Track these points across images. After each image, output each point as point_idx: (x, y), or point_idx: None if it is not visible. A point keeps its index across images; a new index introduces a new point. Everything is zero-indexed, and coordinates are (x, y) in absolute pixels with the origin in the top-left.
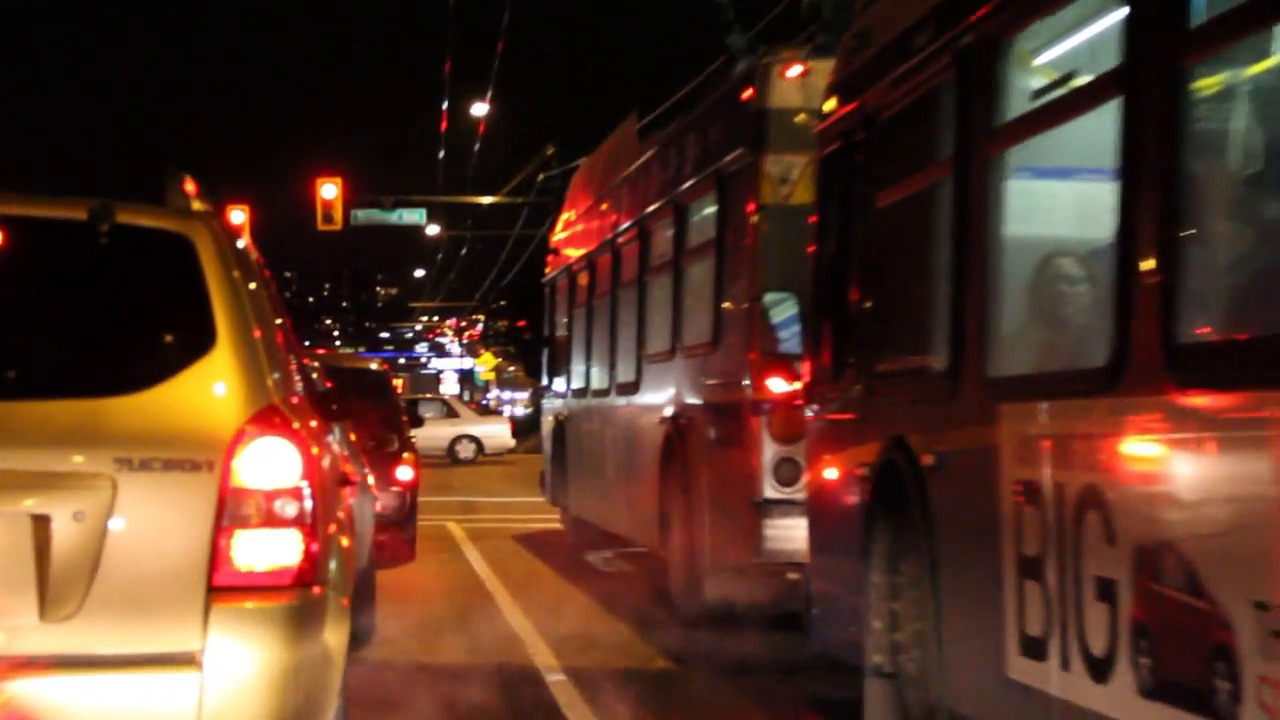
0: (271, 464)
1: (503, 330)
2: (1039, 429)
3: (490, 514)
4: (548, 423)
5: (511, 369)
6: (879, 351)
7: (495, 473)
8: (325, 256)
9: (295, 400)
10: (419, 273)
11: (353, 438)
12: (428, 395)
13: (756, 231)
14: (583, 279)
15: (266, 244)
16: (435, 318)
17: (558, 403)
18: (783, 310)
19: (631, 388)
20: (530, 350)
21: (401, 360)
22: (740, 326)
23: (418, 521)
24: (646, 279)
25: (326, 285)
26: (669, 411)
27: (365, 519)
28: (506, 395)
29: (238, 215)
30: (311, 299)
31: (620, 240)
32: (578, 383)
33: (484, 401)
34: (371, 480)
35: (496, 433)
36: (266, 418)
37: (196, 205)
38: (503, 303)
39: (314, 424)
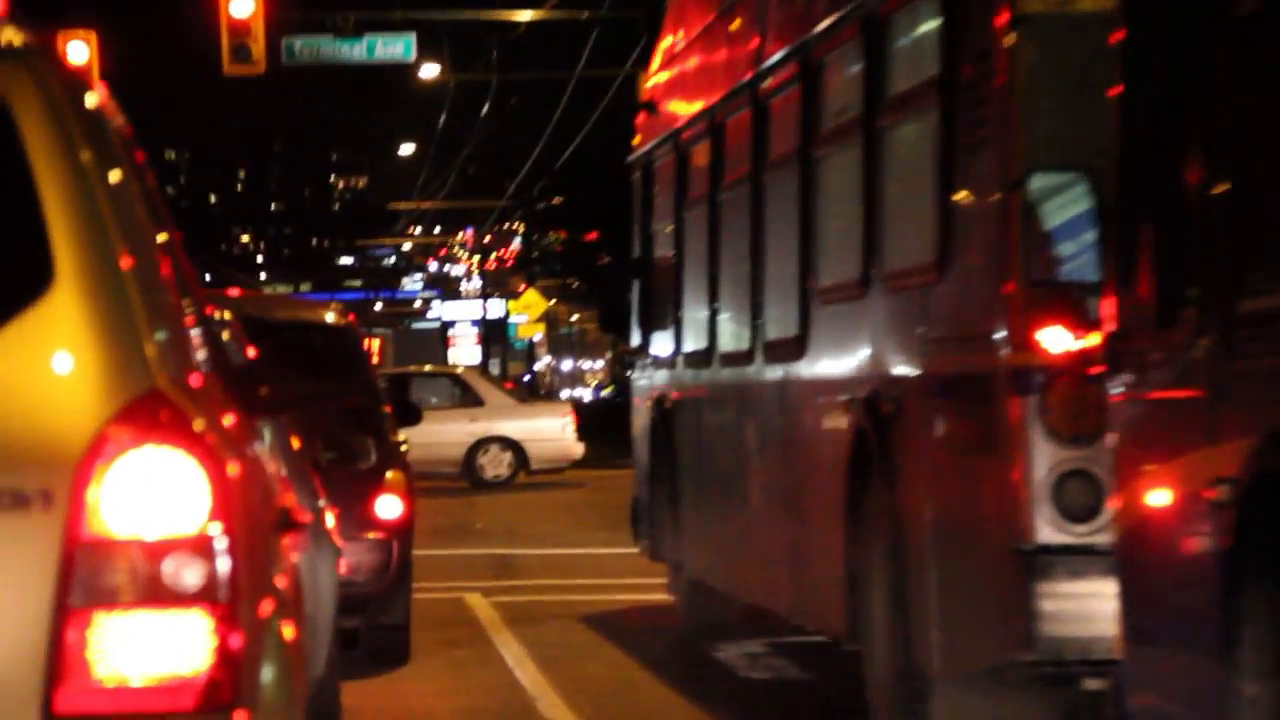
0: (156, 495)
1: (557, 250)
2: None
3: (542, 576)
4: (642, 414)
5: (574, 318)
6: (1247, 277)
7: (549, 502)
8: (240, 123)
9: (195, 381)
10: (406, 149)
11: (297, 445)
12: (427, 368)
13: (1012, 62)
14: (699, 156)
15: (133, 101)
16: (437, 230)
17: (659, 377)
18: (1063, 205)
19: (791, 349)
20: (607, 285)
21: (378, 306)
22: (986, 236)
23: (413, 593)
24: (815, 154)
25: (241, 174)
26: (860, 390)
27: (322, 590)
28: (566, 365)
29: (79, 50)
30: (215, 198)
31: (767, 86)
32: (694, 341)
33: (527, 378)
34: (333, 521)
35: (550, 432)
36: (146, 413)
37: (7, 34)
38: (557, 200)
39: (229, 422)
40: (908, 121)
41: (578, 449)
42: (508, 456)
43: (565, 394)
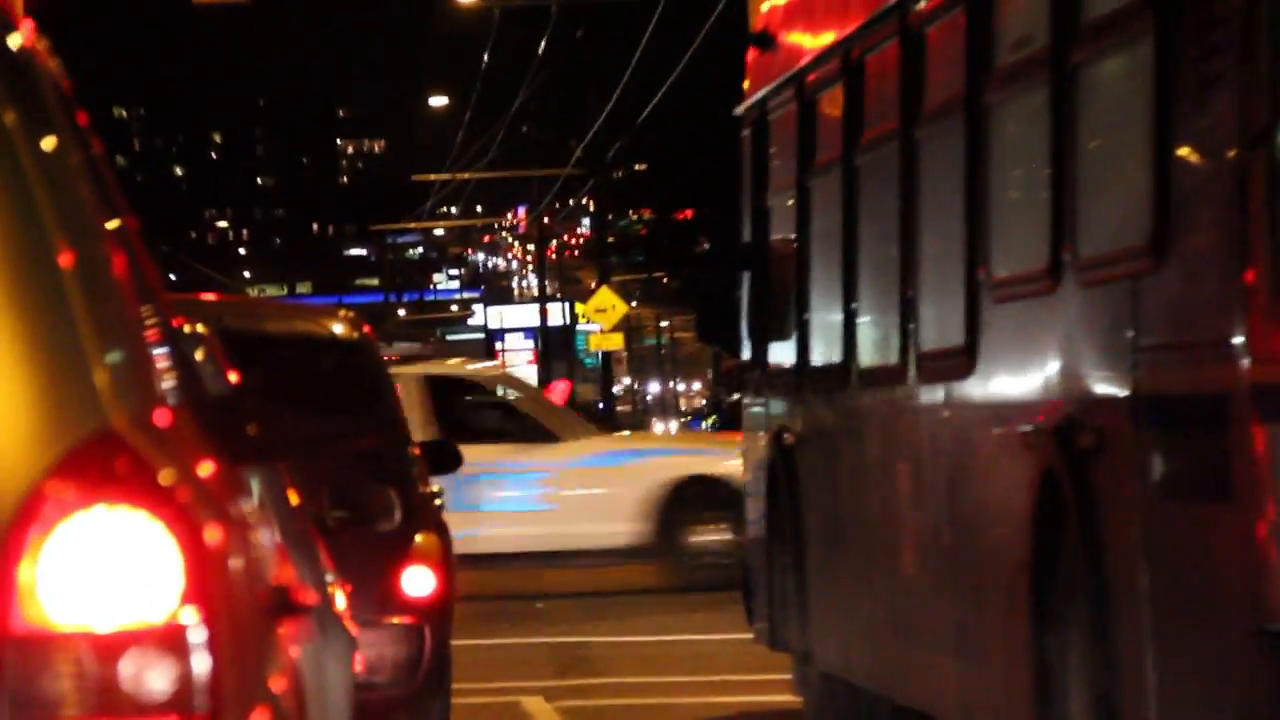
0: (111, 572)
1: (640, 234)
2: None
3: (623, 673)
4: (755, 454)
5: (664, 324)
6: None
7: (632, 576)
8: (214, 69)
9: (160, 418)
10: (436, 102)
11: (296, 502)
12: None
13: None
14: (831, 104)
15: (73, 44)
16: (479, 210)
17: (777, 404)
18: None
19: (956, 363)
20: (706, 279)
21: (402, 312)
22: (1219, 209)
23: (452, 697)
24: (985, 102)
25: (216, 137)
26: (1048, 418)
27: (332, 693)
28: (654, 389)
29: None
30: (182, 170)
31: (921, 9)
32: (824, 354)
33: (601, 406)
34: (345, 602)
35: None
36: (95, 462)
37: None
38: (639, 168)
39: (206, 473)
40: (1111, 55)
41: None
42: None
43: (659, 428)
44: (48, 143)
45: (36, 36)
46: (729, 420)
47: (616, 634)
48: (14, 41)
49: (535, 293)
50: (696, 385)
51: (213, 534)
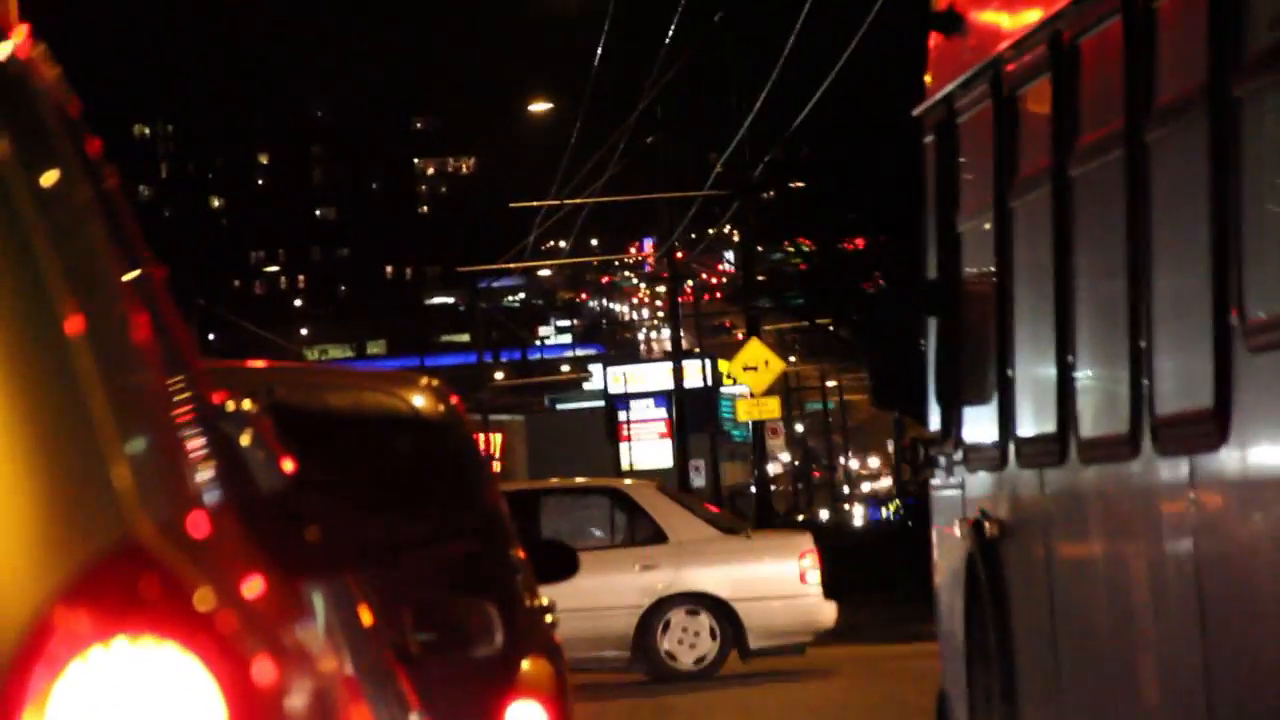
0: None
1: (800, 269)
2: None
3: None
4: (949, 548)
5: (831, 384)
6: None
7: (784, 702)
8: (258, 75)
9: (196, 524)
10: (538, 109)
11: (370, 622)
12: (577, 481)
13: None
14: (1037, 101)
15: (81, 51)
16: (594, 244)
17: (976, 485)
18: None
19: (1203, 429)
20: (883, 328)
21: (499, 375)
22: None
23: None
24: (1237, 95)
25: (263, 159)
26: None
27: None
28: (822, 470)
29: None
30: (219, 201)
31: None
32: (1035, 422)
33: (754, 490)
34: None
35: (780, 584)
36: (116, 584)
37: None
38: (797, 186)
39: (254, 592)
40: None
41: (828, 612)
42: (707, 626)
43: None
44: (48, 177)
45: (32, 44)
46: (916, 506)
47: None
48: (2, 51)
49: (667, 348)
50: (874, 461)
51: (263, 670)
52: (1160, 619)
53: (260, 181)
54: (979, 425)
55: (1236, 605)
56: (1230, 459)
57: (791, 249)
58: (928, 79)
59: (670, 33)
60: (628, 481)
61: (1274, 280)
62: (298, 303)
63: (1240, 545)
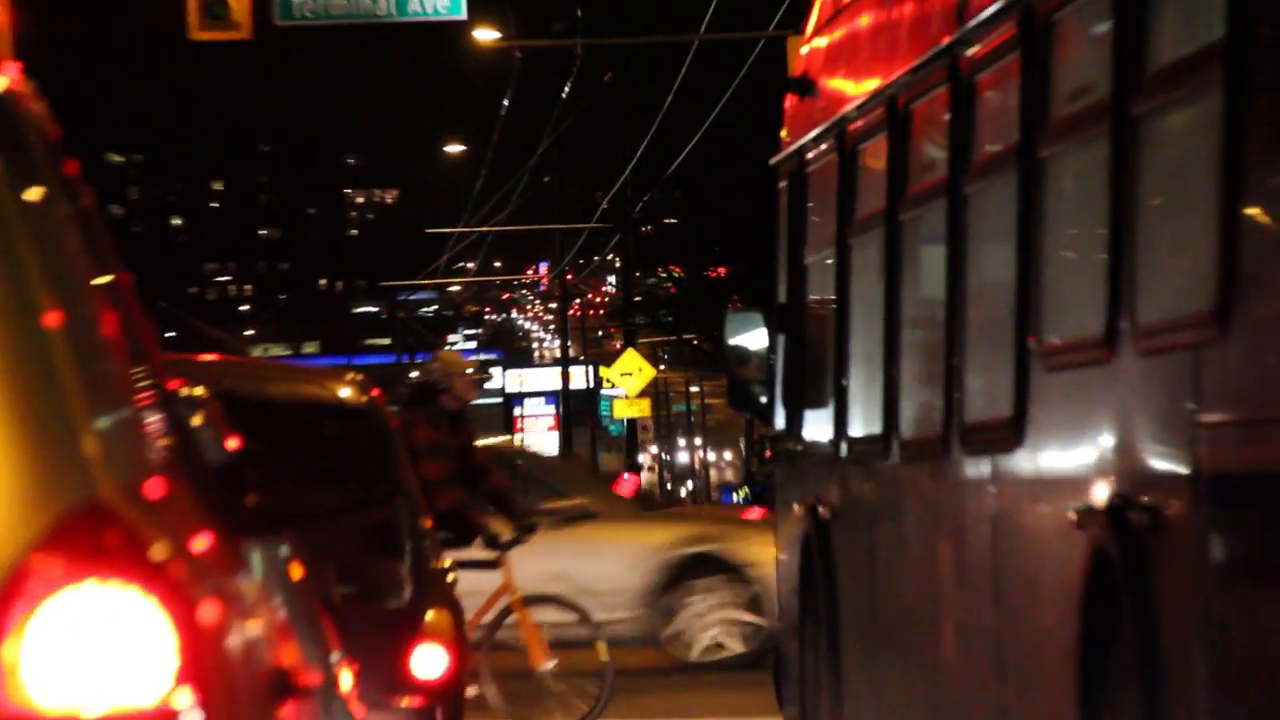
0: (101, 651)
1: (669, 292)
2: None
3: None
4: (788, 529)
5: (694, 390)
6: None
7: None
8: (215, 113)
9: (154, 488)
10: (452, 150)
11: (299, 576)
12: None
13: None
14: (873, 155)
15: (62, 85)
16: (497, 265)
17: (813, 477)
18: None
19: (1003, 435)
20: (741, 343)
21: (413, 374)
22: None
23: None
24: (1041, 155)
25: (218, 185)
26: (1100, 496)
27: None
28: (682, 458)
29: None
30: (180, 220)
31: (972, 55)
32: (863, 424)
33: (629, 472)
34: (350, 684)
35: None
36: (85, 536)
37: None
38: (670, 222)
39: (202, 546)
40: (1179, 105)
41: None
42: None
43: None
44: (33, 193)
45: (23, 80)
46: (763, 493)
47: (650, 715)
48: None
49: (557, 355)
50: (728, 455)
51: (209, 611)
52: (962, 589)
53: (214, 204)
54: (817, 426)
55: (1025, 578)
56: (1025, 459)
57: (664, 274)
58: (783, 134)
59: (567, 88)
60: (519, 453)
61: (1065, 312)
62: (244, 307)
63: (1030, 531)
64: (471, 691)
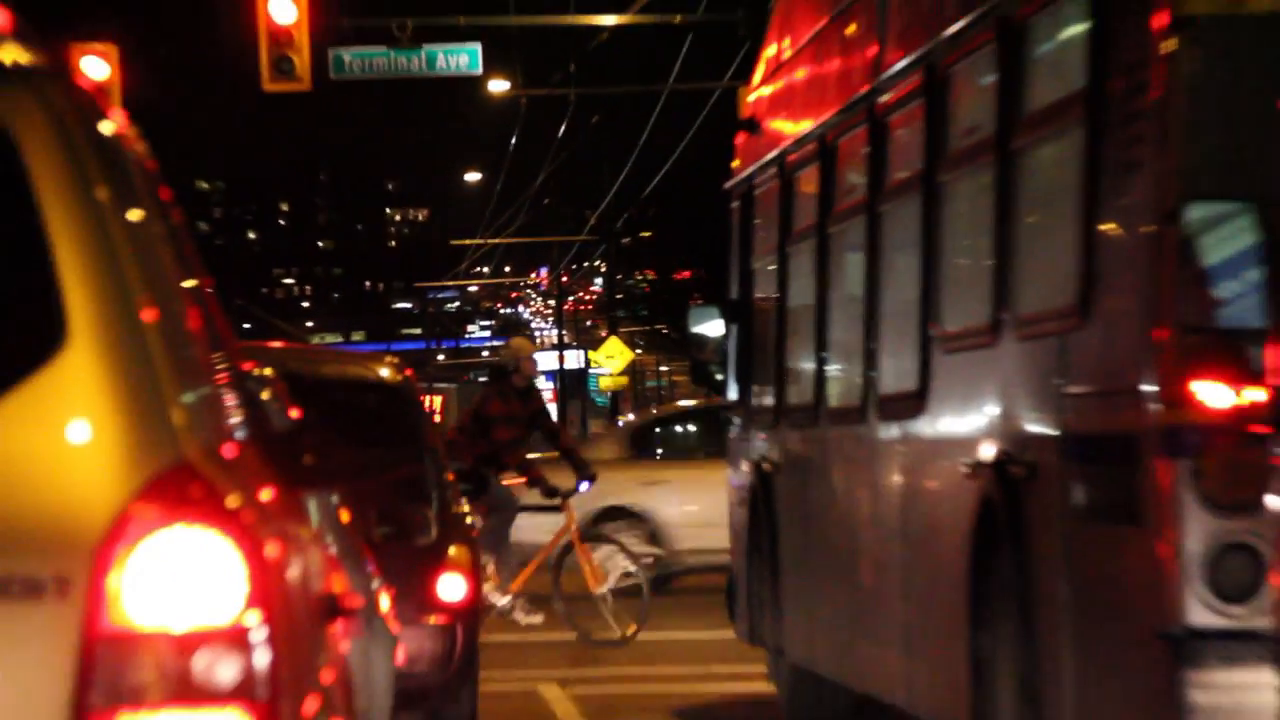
0: (186, 581)
1: (645, 290)
2: None
3: (628, 664)
4: (738, 480)
5: (664, 369)
6: None
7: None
8: (283, 148)
9: (229, 450)
10: (471, 177)
11: (347, 520)
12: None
13: (1171, 73)
14: (807, 181)
15: (159, 126)
16: (507, 270)
17: (758, 438)
18: (1225, 240)
19: (909, 405)
20: (697, 330)
21: (440, 357)
22: (1135, 275)
23: (479, 685)
24: (939, 181)
25: (284, 207)
26: (987, 453)
27: (377, 682)
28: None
29: (96, 68)
30: (254, 234)
31: (885, 101)
32: (798, 396)
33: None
34: (388, 606)
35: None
36: (173, 488)
37: (10, 51)
38: (644, 234)
39: (269, 497)
40: (1048, 142)
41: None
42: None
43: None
44: (134, 214)
45: (127, 123)
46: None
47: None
48: (107, 128)
49: (555, 341)
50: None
51: (273, 548)
52: (876, 527)
53: (282, 221)
54: (761, 398)
55: (926, 519)
56: (927, 424)
57: (640, 278)
58: (735, 163)
59: (562, 128)
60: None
61: (959, 305)
62: (305, 305)
63: (931, 481)
64: (538, 619)
